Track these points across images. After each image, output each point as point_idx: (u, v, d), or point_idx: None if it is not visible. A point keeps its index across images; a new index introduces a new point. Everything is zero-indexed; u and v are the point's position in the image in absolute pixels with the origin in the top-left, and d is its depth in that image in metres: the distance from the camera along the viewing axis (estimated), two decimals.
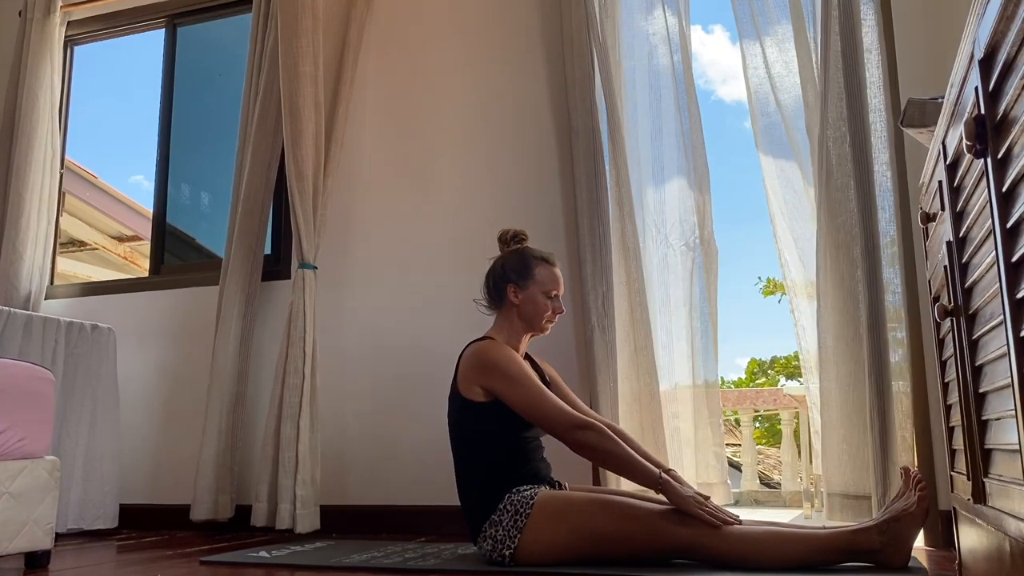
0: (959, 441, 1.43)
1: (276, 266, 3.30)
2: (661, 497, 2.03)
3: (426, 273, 3.08)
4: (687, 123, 2.80)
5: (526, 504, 1.96)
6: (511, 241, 2.31)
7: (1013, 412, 0.94)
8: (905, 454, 2.37)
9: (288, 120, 3.06)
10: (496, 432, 2.07)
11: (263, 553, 2.30)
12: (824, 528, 1.89)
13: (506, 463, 2.05)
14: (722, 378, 2.62)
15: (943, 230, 1.38)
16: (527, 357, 2.29)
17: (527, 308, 2.20)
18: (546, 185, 2.98)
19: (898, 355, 2.43)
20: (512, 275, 2.22)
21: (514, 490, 1.99)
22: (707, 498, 1.92)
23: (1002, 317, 0.97)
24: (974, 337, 1.19)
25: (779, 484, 5.31)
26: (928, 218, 1.59)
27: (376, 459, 3.01)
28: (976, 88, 1.01)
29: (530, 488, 2.00)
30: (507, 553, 1.96)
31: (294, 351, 2.93)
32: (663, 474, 1.92)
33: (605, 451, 1.95)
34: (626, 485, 2.56)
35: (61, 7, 3.77)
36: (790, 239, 2.64)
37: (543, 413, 2.00)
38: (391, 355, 3.07)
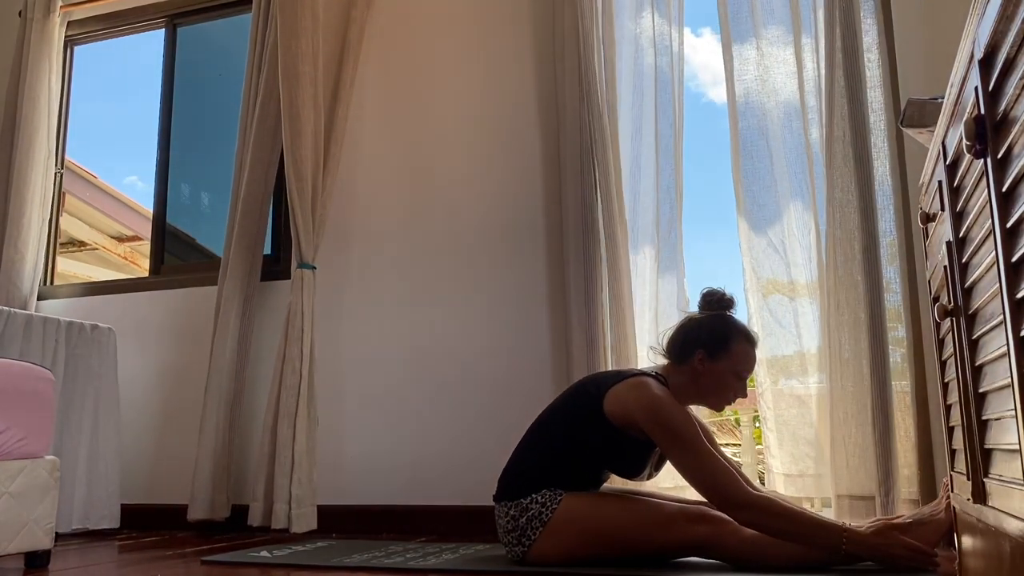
0: (959, 441, 1.43)
1: (276, 266, 3.30)
2: (679, 495, 2.04)
3: (426, 273, 3.08)
4: (671, 127, 2.80)
5: (553, 501, 1.95)
6: (716, 305, 2.09)
7: (1013, 412, 0.94)
8: (906, 454, 2.37)
9: (287, 120, 3.06)
10: (596, 454, 1.99)
11: (264, 553, 2.30)
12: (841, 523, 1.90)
13: (572, 474, 2.00)
14: None
15: (943, 230, 1.38)
16: None
17: (709, 381, 2.01)
18: (548, 185, 2.98)
19: (898, 355, 2.44)
20: (707, 340, 2.02)
21: (552, 487, 1.97)
22: (897, 518, 1.84)
23: (1002, 317, 0.96)
24: (974, 337, 1.19)
25: None
26: (928, 218, 1.59)
27: (374, 458, 3.01)
28: (976, 88, 1.01)
29: (562, 491, 1.98)
30: (526, 543, 1.95)
31: (292, 351, 2.93)
32: (844, 532, 1.78)
33: (775, 530, 1.81)
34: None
35: (61, 7, 3.77)
36: (774, 238, 2.65)
37: (710, 484, 1.84)
38: (390, 355, 3.07)
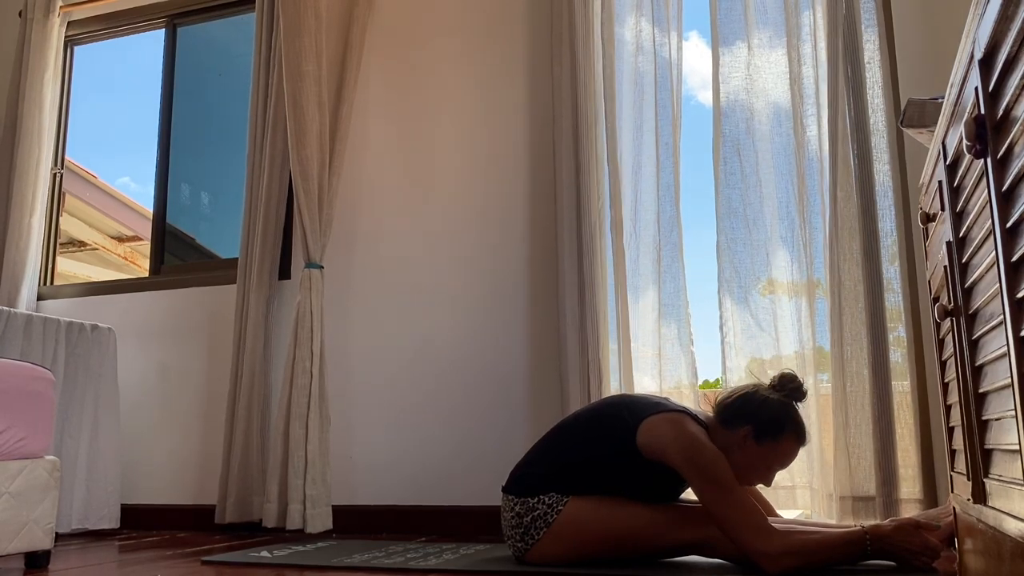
0: (959, 441, 1.43)
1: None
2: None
3: (432, 271, 3.08)
4: (670, 126, 2.80)
5: (559, 503, 1.95)
6: (789, 392, 2.01)
7: (1013, 412, 0.94)
8: (907, 454, 2.37)
9: (292, 119, 3.06)
10: (617, 478, 1.97)
11: (264, 553, 2.31)
12: (855, 526, 1.90)
13: (586, 488, 1.98)
14: (720, 378, 2.61)
15: (943, 230, 1.38)
16: None
17: (744, 458, 1.95)
18: (548, 183, 2.98)
19: (898, 355, 2.44)
20: (761, 421, 1.95)
21: (560, 492, 1.96)
22: (926, 524, 1.82)
23: (1002, 317, 0.97)
24: (974, 337, 1.19)
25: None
26: (928, 218, 1.59)
27: (384, 458, 3.01)
28: (976, 88, 1.01)
29: (569, 495, 1.97)
30: (529, 542, 1.96)
31: (302, 351, 2.93)
32: (867, 534, 1.80)
33: (806, 568, 1.79)
34: None
35: (61, 7, 3.77)
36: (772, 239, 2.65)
37: (740, 531, 1.80)
38: (398, 353, 3.07)
